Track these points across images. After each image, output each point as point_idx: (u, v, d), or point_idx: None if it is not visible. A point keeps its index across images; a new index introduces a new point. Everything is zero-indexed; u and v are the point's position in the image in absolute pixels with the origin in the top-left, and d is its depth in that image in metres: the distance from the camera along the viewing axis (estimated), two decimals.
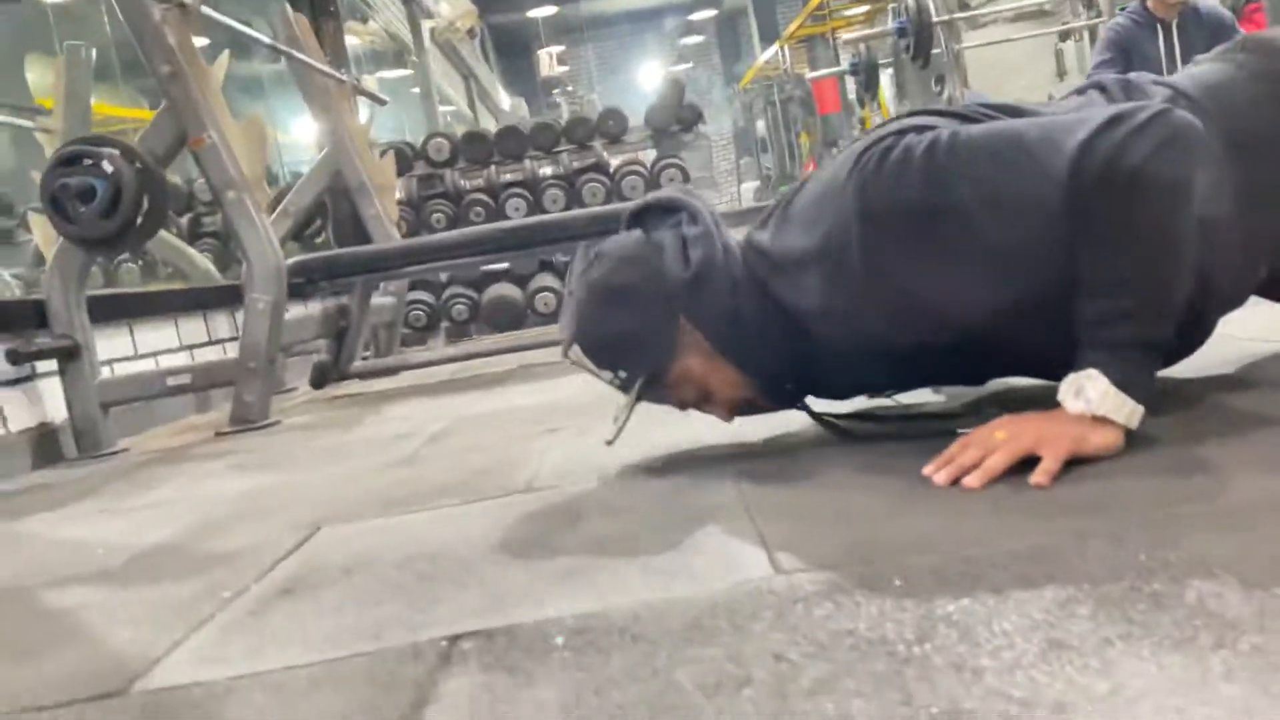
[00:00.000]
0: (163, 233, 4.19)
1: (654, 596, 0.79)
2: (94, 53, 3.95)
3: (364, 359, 3.95)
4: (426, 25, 9.69)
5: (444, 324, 5.04)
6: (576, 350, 1.21)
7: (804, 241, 1.08)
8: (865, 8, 11.07)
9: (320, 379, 3.23)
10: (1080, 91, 1.20)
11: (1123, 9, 4.17)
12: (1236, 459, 0.91)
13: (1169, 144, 0.94)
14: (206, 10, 2.72)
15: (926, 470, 0.99)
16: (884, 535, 0.85)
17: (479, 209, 5.14)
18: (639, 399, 1.20)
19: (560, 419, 1.92)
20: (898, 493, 0.97)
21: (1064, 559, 0.72)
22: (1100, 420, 0.96)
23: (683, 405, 1.25)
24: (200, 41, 5.48)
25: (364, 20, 9.27)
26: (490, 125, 10.12)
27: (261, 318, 2.68)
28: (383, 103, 4.31)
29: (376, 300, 3.81)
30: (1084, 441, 0.94)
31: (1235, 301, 1.19)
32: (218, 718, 0.70)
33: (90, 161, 2.52)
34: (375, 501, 1.39)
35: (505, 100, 16.44)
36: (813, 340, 1.13)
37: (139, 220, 2.56)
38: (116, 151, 2.53)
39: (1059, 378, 1.00)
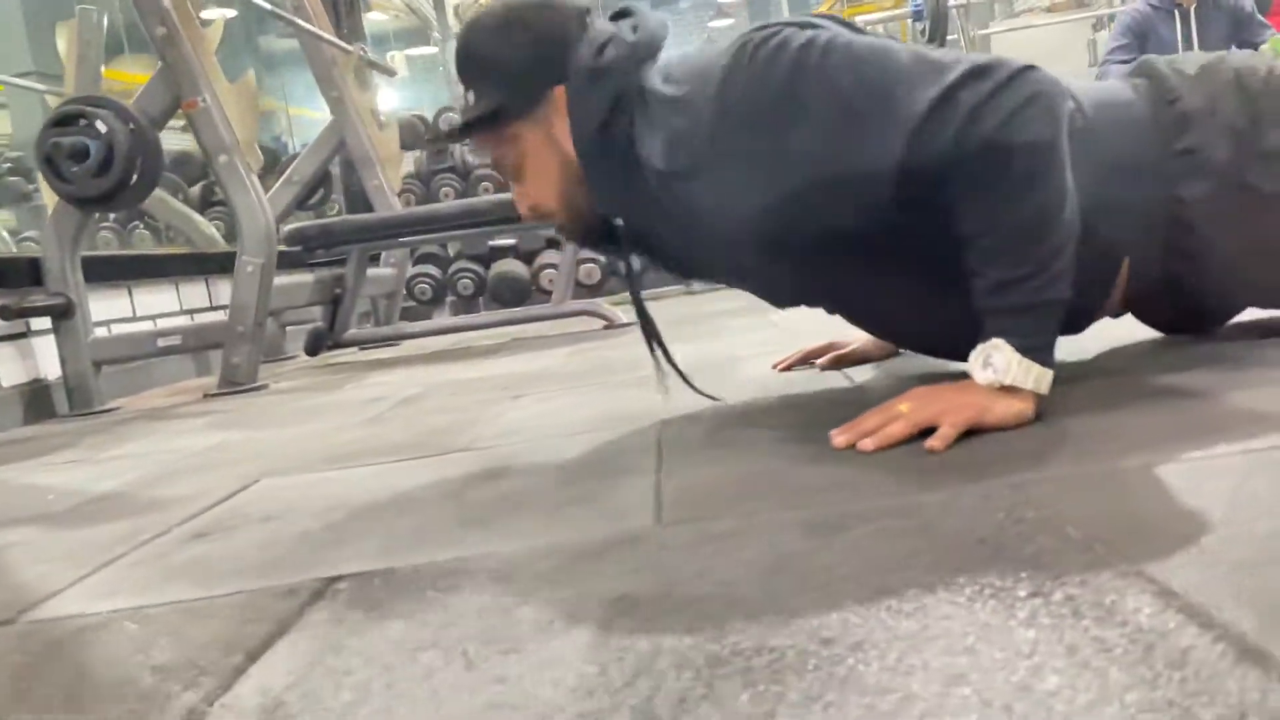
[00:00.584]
0: (169, 198, 4.25)
1: (536, 543, 0.80)
2: (106, 17, 3.99)
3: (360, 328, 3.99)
4: (450, 2, 9.67)
5: (450, 298, 5.06)
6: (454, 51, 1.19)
7: (669, 96, 1.05)
8: None
9: (314, 346, 3.26)
10: None
11: None
12: (1138, 428, 0.90)
13: (1029, 103, 0.92)
14: None
15: (832, 433, 0.98)
16: (774, 493, 0.85)
17: (487, 184, 5.15)
18: (470, 128, 1.16)
19: (530, 386, 1.94)
20: (805, 456, 0.97)
21: (929, 515, 0.72)
22: (1009, 389, 0.95)
23: (498, 166, 1.21)
24: (229, 13, 5.49)
25: None
26: None
27: (251, 280, 2.71)
28: (392, 74, 4.32)
29: (377, 271, 3.83)
30: (987, 412, 0.94)
31: (1072, 325, 1.17)
32: (88, 645, 0.71)
33: (85, 121, 2.55)
34: (323, 457, 1.41)
35: None
36: (658, 200, 1.09)
37: (132, 180, 2.59)
38: (111, 112, 2.56)
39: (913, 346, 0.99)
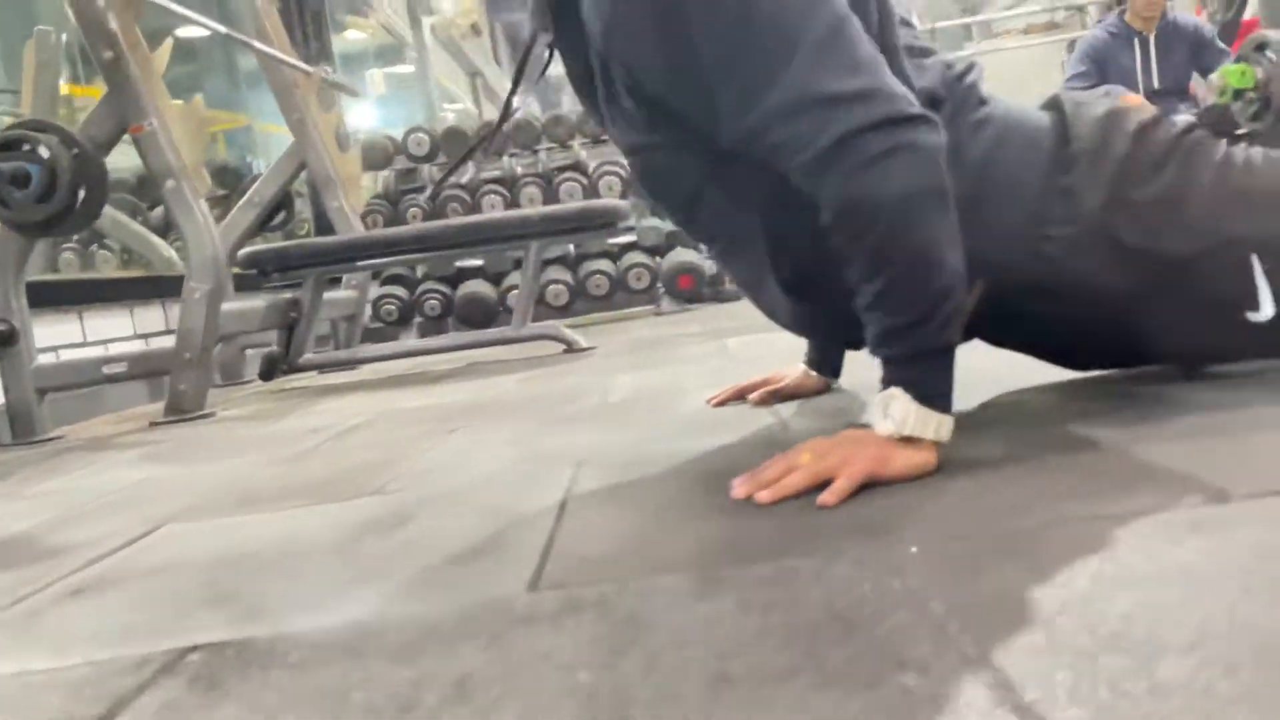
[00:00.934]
0: (126, 220, 4.20)
1: (403, 610, 0.77)
2: (64, 37, 3.95)
3: (319, 351, 3.95)
4: (427, 21, 9.67)
5: (417, 319, 5.02)
6: None
7: None
8: None
9: (269, 371, 3.22)
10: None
11: (1099, 21, 4.12)
12: (1032, 484, 0.87)
13: (903, 150, 0.90)
14: None
15: (733, 482, 0.96)
16: (658, 552, 0.83)
17: (455, 205, 5.12)
18: None
19: (468, 418, 1.91)
20: (704, 508, 0.94)
21: (798, 584, 0.69)
22: (910, 440, 0.93)
23: None
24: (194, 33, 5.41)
25: (364, 15, 9.27)
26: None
27: (198, 307, 2.67)
28: (354, 94, 4.30)
29: (337, 294, 3.80)
30: (886, 464, 0.91)
31: None
32: None
33: (28, 147, 2.51)
34: (237, 498, 1.37)
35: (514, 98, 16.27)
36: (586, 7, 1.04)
37: (76, 205, 2.55)
38: (55, 137, 2.52)
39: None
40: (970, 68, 1.14)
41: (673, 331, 3.56)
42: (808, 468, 0.92)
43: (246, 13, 3.74)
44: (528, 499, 1.10)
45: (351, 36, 10.60)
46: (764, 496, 0.91)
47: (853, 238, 0.93)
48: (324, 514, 1.19)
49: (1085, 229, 1.06)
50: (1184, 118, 3.81)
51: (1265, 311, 1.05)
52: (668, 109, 1.04)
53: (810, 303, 1.15)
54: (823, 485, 0.91)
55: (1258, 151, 1.11)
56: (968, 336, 1.19)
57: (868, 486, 0.91)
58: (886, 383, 0.94)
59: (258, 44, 3.42)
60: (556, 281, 4.94)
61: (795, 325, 1.29)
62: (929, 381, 0.93)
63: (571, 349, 3.22)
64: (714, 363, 2.32)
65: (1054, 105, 1.15)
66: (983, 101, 1.10)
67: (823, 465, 0.92)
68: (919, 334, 0.92)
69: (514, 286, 4.92)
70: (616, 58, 1.03)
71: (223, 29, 3.19)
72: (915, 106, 0.93)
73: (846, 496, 0.88)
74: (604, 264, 5.01)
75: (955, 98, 1.09)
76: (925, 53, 1.13)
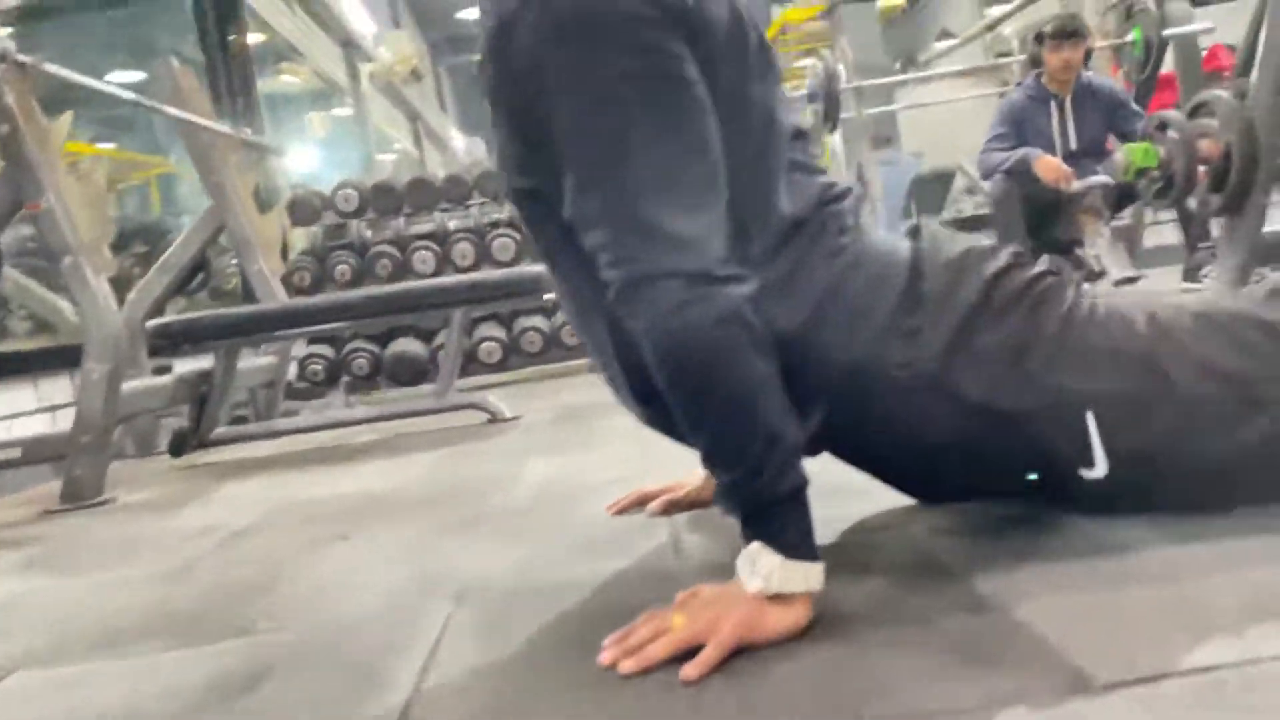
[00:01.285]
0: (32, 285, 4.06)
1: None
2: None
3: (242, 419, 3.84)
4: (365, 68, 9.63)
5: (344, 378, 4.91)
6: None
7: None
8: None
9: (178, 448, 3.10)
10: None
11: (1019, 84, 4.21)
12: (907, 654, 0.83)
13: (695, 305, 0.89)
14: (51, 68, 2.62)
15: (603, 644, 0.91)
16: None
17: (385, 261, 5.03)
18: None
19: (367, 517, 1.84)
20: (569, 672, 0.89)
21: None
22: (781, 596, 0.89)
23: None
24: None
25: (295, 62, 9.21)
26: (439, 166, 10.06)
27: (96, 388, 2.55)
28: (278, 153, 4.22)
29: (254, 361, 3.69)
30: (757, 627, 0.87)
31: None
32: None
33: None
34: (98, 635, 1.29)
35: (457, 140, 16.34)
36: None
37: None
38: None
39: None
40: (847, 192, 1.11)
41: (599, 397, 3.48)
42: (676, 633, 0.88)
43: (162, 72, 3.65)
44: (393, 652, 1.03)
45: (286, 80, 10.53)
46: (628, 667, 0.86)
47: (665, 387, 0.93)
48: (180, 663, 1.11)
49: (923, 374, 1.01)
50: (1098, 177, 3.88)
51: (1099, 470, 1.02)
52: (525, 158, 1.01)
53: (659, 405, 1.05)
54: (692, 650, 0.86)
55: (1104, 303, 1.08)
56: (816, 450, 1.13)
57: (738, 651, 0.87)
58: (747, 538, 0.90)
59: (170, 109, 3.33)
60: (489, 339, 4.87)
61: (649, 423, 1.23)
62: (787, 532, 0.90)
63: (496, 419, 3.16)
64: (627, 446, 2.27)
65: (916, 234, 1.12)
66: (844, 230, 1.06)
67: (691, 631, 0.87)
68: (758, 486, 0.90)
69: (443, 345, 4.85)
70: (491, 83, 1.01)
71: (131, 95, 3.10)
72: (727, 267, 0.92)
73: (712, 669, 0.84)
74: (538, 320, 4.95)
75: (819, 220, 1.06)
76: (810, 170, 1.11)
